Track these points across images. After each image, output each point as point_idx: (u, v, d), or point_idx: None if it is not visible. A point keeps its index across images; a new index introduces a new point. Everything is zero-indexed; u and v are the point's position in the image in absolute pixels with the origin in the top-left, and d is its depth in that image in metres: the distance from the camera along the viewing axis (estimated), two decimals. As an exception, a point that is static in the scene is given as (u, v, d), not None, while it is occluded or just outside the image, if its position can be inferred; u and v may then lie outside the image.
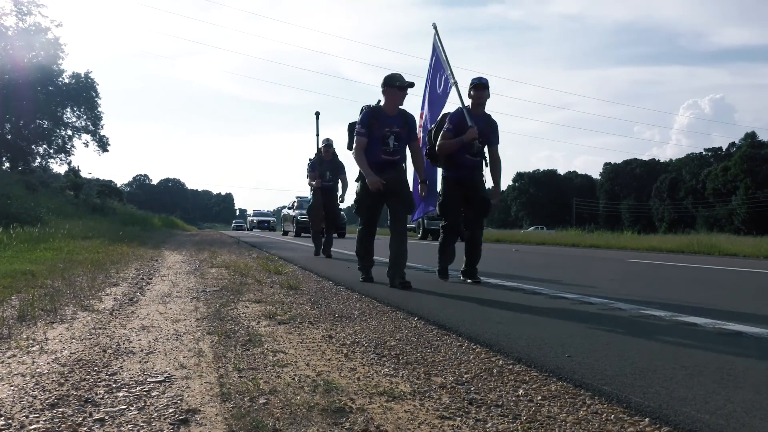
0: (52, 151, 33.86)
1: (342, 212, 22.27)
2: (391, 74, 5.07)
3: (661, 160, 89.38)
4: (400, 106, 5.14)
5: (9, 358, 2.36)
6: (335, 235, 20.91)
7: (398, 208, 5.16)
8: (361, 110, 5.29)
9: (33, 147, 32.73)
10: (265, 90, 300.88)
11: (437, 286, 5.05)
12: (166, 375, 2.14)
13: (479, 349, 2.65)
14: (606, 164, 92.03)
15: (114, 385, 2.00)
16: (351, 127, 5.46)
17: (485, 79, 5.37)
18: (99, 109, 34.70)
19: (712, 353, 2.58)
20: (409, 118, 5.22)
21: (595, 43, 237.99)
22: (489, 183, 5.62)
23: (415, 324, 3.27)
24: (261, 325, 3.17)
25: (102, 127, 34.92)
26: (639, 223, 65.70)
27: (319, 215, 9.19)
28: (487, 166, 5.47)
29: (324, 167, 9.13)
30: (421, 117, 6.12)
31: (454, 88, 5.56)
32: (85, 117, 34.37)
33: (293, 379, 2.11)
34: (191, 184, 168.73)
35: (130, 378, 2.09)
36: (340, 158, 9.50)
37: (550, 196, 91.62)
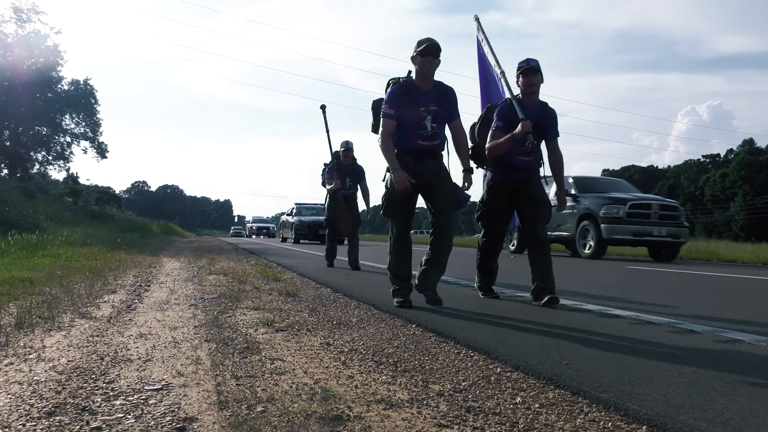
0: (50, 157, 33.86)
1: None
2: (422, 38, 4.07)
3: (660, 167, 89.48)
4: (434, 79, 4.16)
5: (6, 365, 2.36)
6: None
7: (440, 201, 4.20)
8: (388, 84, 4.29)
9: (32, 153, 32.73)
10: (264, 97, 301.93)
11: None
12: (163, 383, 2.13)
13: (477, 356, 2.65)
14: (605, 171, 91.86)
15: (111, 393, 1.99)
16: (376, 105, 4.44)
17: (535, 61, 4.42)
18: (98, 115, 34.74)
19: (710, 361, 2.58)
20: (448, 93, 4.17)
21: (594, 51, 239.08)
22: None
23: (413, 331, 3.26)
24: (259, 332, 3.16)
25: (101, 133, 34.94)
26: (637, 230, 65.62)
27: (345, 219, 8.22)
28: (542, 165, 4.61)
29: (343, 173, 8.16)
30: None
31: (502, 81, 4.86)
32: (83, 124, 34.39)
33: (291, 386, 2.11)
34: (190, 191, 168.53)
35: (128, 386, 2.09)
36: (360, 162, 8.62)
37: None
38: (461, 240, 29.02)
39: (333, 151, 8.15)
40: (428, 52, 3.98)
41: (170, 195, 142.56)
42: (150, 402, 1.91)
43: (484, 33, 5.46)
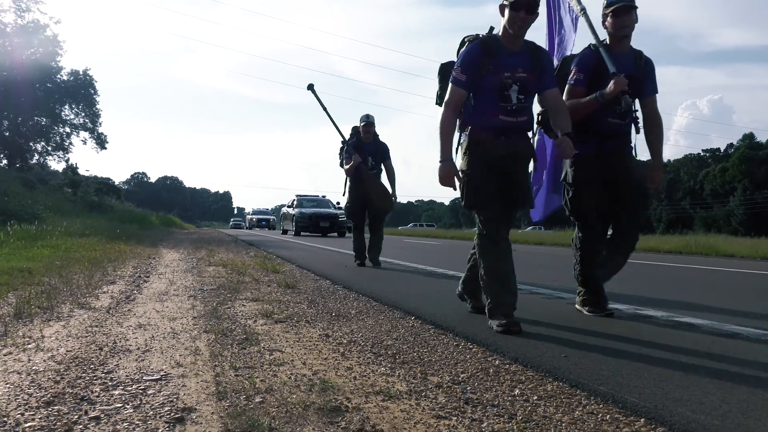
0: (50, 148, 33.79)
1: (341, 210, 22.27)
2: None
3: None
4: (525, 38, 3.19)
5: (5, 355, 2.36)
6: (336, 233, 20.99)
7: (522, 195, 3.32)
8: (463, 43, 3.38)
9: (31, 144, 32.67)
10: (263, 88, 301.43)
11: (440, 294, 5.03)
12: (162, 373, 2.14)
13: (476, 348, 2.65)
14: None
15: (110, 383, 2.00)
16: (444, 69, 3.53)
17: None
18: (97, 106, 34.64)
19: (708, 354, 2.58)
20: (542, 56, 3.26)
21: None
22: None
23: (412, 323, 3.27)
24: (258, 323, 3.16)
25: (100, 124, 34.86)
26: (637, 224, 65.70)
27: (378, 191, 7.08)
28: (638, 131, 3.53)
29: (365, 152, 7.09)
30: None
31: (582, 20, 3.86)
32: (83, 114, 34.30)
33: (289, 377, 2.11)
34: (189, 182, 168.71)
35: (126, 376, 2.09)
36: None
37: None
38: (461, 233, 29.07)
39: (339, 128, 7.25)
40: (521, 5, 3.05)
41: (170, 186, 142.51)
42: (148, 392, 1.91)
43: None
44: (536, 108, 3.42)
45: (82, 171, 33.54)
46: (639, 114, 3.58)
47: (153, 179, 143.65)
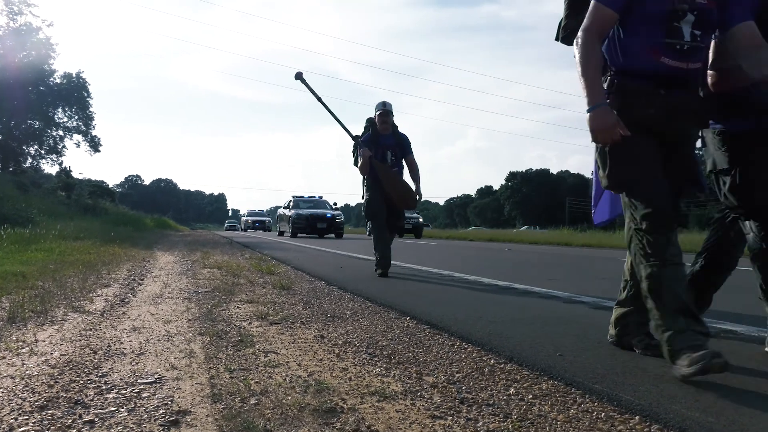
0: (43, 151, 33.72)
1: (337, 211, 22.20)
2: None
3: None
4: None
5: (-2, 360, 2.35)
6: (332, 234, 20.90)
7: (688, 173, 2.43)
8: None
9: (24, 147, 32.56)
10: (257, 90, 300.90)
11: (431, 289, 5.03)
12: (156, 376, 2.13)
13: (471, 348, 2.65)
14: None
15: (104, 387, 1.99)
16: None
17: None
18: (90, 109, 34.61)
19: (703, 351, 2.59)
20: None
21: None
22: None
23: (407, 323, 3.27)
24: (253, 325, 3.16)
25: (94, 127, 34.84)
26: (631, 222, 65.95)
27: (398, 186, 6.10)
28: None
29: (382, 146, 6.14)
30: None
31: None
32: (76, 117, 34.24)
33: (285, 379, 2.11)
34: (184, 185, 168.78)
35: (121, 379, 2.08)
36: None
37: (543, 196, 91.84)
38: (455, 233, 29.11)
39: (335, 114, 6.43)
40: None
41: (164, 189, 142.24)
42: (143, 395, 1.90)
43: None
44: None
45: (75, 174, 33.57)
46: None
47: (147, 182, 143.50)
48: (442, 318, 3.38)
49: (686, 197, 2.61)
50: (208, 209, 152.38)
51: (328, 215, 20.75)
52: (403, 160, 6.23)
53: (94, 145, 34.73)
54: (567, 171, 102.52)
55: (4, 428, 1.60)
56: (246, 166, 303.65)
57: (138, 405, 1.80)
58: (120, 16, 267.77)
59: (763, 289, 2.62)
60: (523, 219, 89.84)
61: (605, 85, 2.35)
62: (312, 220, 20.30)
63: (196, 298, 4.19)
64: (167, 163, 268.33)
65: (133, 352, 2.52)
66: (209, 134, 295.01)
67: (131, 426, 1.63)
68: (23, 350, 2.51)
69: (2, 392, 1.91)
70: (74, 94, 33.62)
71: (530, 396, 1.94)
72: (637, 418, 1.73)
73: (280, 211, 24.37)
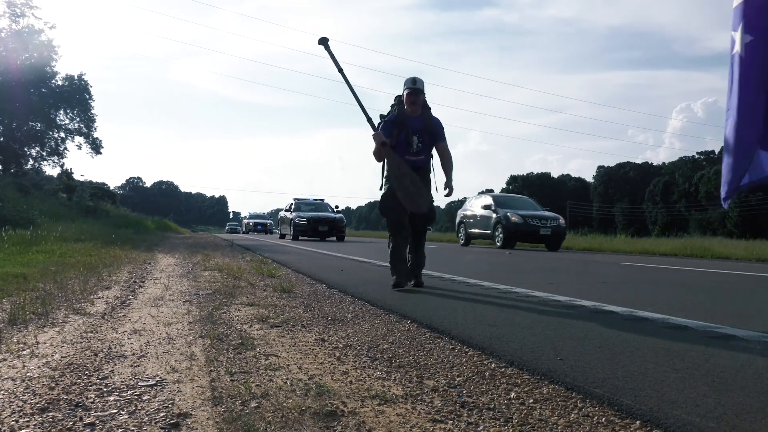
0: (44, 153, 33.70)
1: (339, 213, 22.25)
2: None
3: (655, 164, 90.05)
4: None
5: (-1, 362, 2.35)
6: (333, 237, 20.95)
7: None
8: None
9: (26, 149, 32.56)
10: (258, 92, 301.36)
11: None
12: (157, 379, 2.13)
13: (472, 352, 2.65)
14: (599, 167, 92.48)
15: (105, 389, 1.99)
16: None
17: None
18: (92, 111, 34.56)
19: (704, 356, 2.59)
20: None
21: (590, 47, 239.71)
22: None
23: (408, 327, 3.26)
24: (253, 328, 3.16)
25: (95, 129, 34.77)
26: (632, 227, 66.18)
27: (409, 187, 4.99)
28: None
29: (408, 129, 5.05)
30: None
31: None
32: (78, 119, 34.22)
33: (285, 382, 2.11)
34: (185, 187, 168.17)
35: (122, 382, 2.08)
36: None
37: (544, 199, 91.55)
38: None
39: (357, 94, 5.18)
40: None
41: (165, 191, 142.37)
42: (144, 398, 1.90)
43: None
44: None
45: (77, 176, 33.49)
46: None
47: (148, 184, 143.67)
48: (443, 322, 3.37)
49: None
50: (209, 212, 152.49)
51: (330, 218, 20.71)
52: (434, 149, 5.21)
53: (96, 147, 34.72)
54: (568, 175, 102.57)
55: (5, 430, 1.60)
56: (247, 169, 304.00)
57: (139, 407, 1.80)
58: (121, 18, 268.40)
59: None
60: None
61: None
62: (313, 222, 20.26)
63: (197, 300, 4.20)
64: (168, 166, 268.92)
65: (133, 354, 2.52)
66: (210, 136, 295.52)
67: (132, 429, 1.63)
68: (24, 352, 2.51)
69: (3, 394, 1.92)
70: (76, 96, 33.63)
71: (531, 400, 1.94)
72: (637, 422, 1.72)
73: (282, 213, 24.32)
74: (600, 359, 2.49)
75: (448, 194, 5.19)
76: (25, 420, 1.68)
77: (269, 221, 42.61)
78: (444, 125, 5.24)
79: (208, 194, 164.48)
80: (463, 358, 2.55)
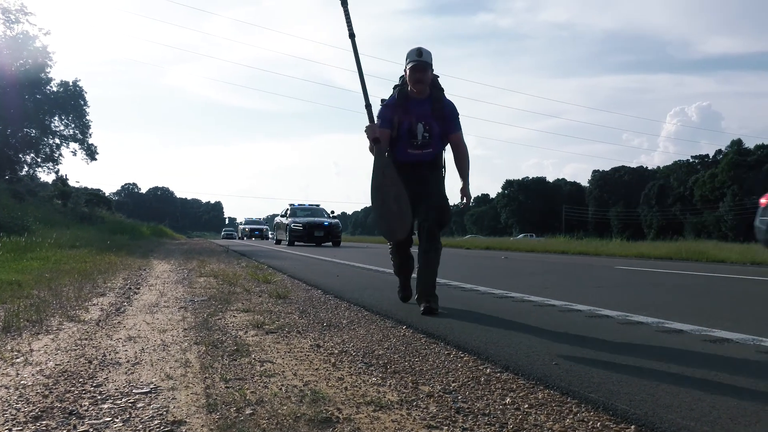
0: (39, 159, 33.58)
1: (335, 219, 22.26)
2: None
3: (649, 168, 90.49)
4: None
5: (-7, 370, 2.34)
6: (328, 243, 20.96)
7: None
8: None
9: (20, 155, 32.45)
10: (254, 98, 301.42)
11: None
12: (152, 386, 2.12)
13: (467, 357, 2.65)
14: (595, 171, 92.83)
15: (99, 397, 1.98)
16: None
17: None
18: (87, 117, 34.50)
19: (698, 360, 2.60)
20: None
21: (584, 52, 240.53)
22: None
23: (404, 333, 3.26)
24: (249, 334, 3.15)
25: (90, 135, 34.68)
26: (628, 230, 66.35)
27: (391, 207, 3.91)
28: None
29: (412, 114, 4.02)
30: None
31: None
32: (73, 125, 34.14)
33: (280, 389, 2.10)
34: (180, 193, 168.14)
35: (116, 389, 2.08)
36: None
37: (540, 204, 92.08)
38: (452, 241, 29.06)
39: (362, 70, 4.05)
40: None
41: (160, 197, 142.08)
42: (138, 405, 1.90)
43: None
44: None
45: (72, 182, 33.41)
46: None
47: (144, 190, 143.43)
48: (438, 327, 3.37)
49: None
50: (205, 217, 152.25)
51: (326, 223, 20.71)
52: (444, 140, 4.12)
53: (91, 153, 34.63)
54: (563, 179, 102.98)
55: (-2, 439, 1.60)
56: (243, 175, 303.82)
57: (133, 415, 1.80)
58: (116, 24, 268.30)
59: None
60: (519, 227, 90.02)
61: None
62: (309, 228, 20.26)
63: (192, 307, 4.18)
64: (164, 172, 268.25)
65: (128, 361, 2.51)
66: (206, 142, 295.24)
67: (126, 436, 1.62)
68: (18, 360, 2.50)
69: (-4, 403, 1.90)
70: (71, 102, 33.56)
71: (526, 405, 1.94)
72: (632, 427, 1.73)
73: (277, 219, 24.32)
74: (595, 364, 2.50)
75: (466, 204, 4.13)
76: (19, 428, 1.68)
77: (265, 227, 42.59)
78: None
79: (204, 200, 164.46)
80: (459, 363, 2.55)
